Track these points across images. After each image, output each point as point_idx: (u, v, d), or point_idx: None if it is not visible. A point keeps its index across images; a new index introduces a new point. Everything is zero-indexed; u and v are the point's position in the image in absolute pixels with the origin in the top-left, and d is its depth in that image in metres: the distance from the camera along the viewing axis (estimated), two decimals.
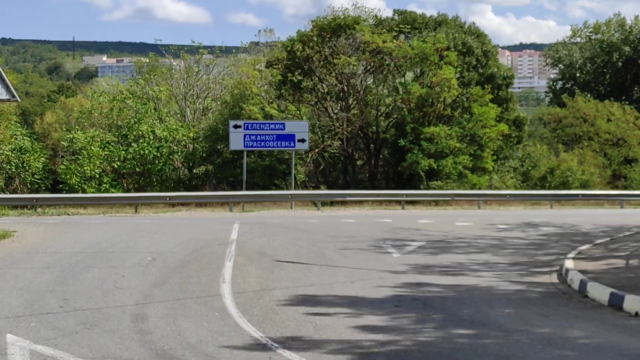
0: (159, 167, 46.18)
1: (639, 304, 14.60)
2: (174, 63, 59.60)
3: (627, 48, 74.29)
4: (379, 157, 50.95)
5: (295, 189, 43.16)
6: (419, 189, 45.26)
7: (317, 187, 47.36)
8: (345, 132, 48.55)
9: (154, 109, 49.56)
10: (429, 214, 36.62)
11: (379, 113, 50.59)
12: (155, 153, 45.62)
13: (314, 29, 49.70)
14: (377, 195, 42.88)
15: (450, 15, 61.18)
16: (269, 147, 42.95)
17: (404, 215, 36.00)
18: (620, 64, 74.41)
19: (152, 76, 55.81)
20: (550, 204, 42.76)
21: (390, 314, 14.30)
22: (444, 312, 14.51)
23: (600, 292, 15.89)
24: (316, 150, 47.88)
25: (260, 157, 46.49)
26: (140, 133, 46.00)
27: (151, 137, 45.87)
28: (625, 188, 50.97)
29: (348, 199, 41.82)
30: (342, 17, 50.58)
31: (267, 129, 42.04)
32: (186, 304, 15.10)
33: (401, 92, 49.28)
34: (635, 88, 74.29)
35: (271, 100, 49.43)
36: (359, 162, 51.71)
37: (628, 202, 43.38)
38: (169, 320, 13.56)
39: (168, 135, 46.45)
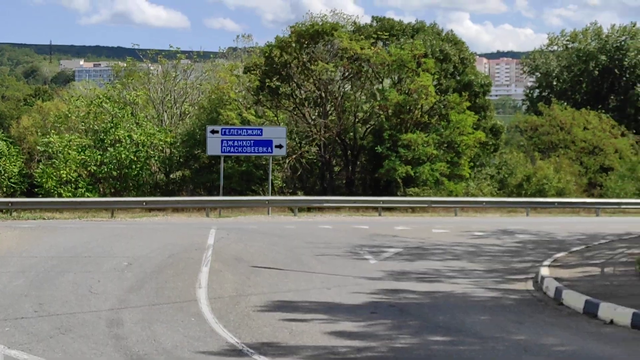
0: (136, 172, 45.98)
1: (614, 311, 14.68)
2: (152, 68, 59.39)
3: (603, 57, 74.68)
4: (356, 164, 50.97)
5: (272, 194, 43.11)
6: (396, 195, 45.29)
7: (294, 193, 47.33)
8: (323, 138, 48.54)
9: (131, 113, 49.36)
10: (405, 221, 36.67)
11: (357, 119, 50.63)
12: (132, 157, 45.43)
13: (292, 35, 49.71)
14: (354, 201, 42.87)
15: (428, 23, 61.37)
16: (247, 152, 42.90)
17: (380, 222, 36.04)
18: (596, 72, 74.80)
19: (129, 81, 55.56)
20: (527, 212, 42.91)
21: (367, 320, 14.32)
22: (420, 319, 14.53)
23: (575, 300, 15.96)
24: (293, 156, 47.83)
25: (237, 163, 46.41)
26: (117, 137, 45.81)
27: (128, 141, 45.70)
28: (601, 196, 51.17)
29: (325, 205, 41.81)
30: (320, 23, 50.51)
31: (244, 135, 42.01)
32: (162, 309, 15.06)
33: (379, 99, 49.32)
34: (612, 97, 74.65)
35: (249, 106, 49.30)
36: (336, 168, 51.72)
37: (604, 210, 43.59)
38: (144, 326, 13.52)
39: (145, 140, 46.28)
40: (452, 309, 15.52)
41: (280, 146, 42.03)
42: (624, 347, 12.58)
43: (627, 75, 74.35)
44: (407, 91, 48.16)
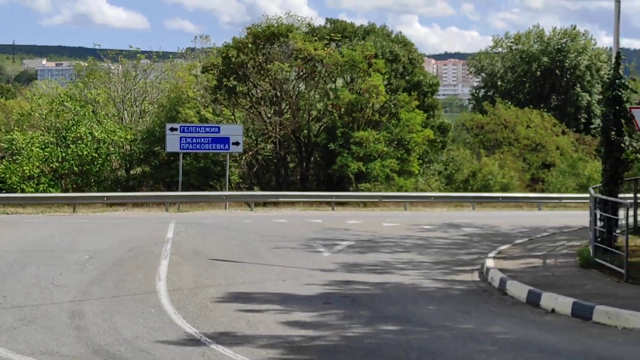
0: (97, 168, 45.57)
1: (555, 301, 14.83)
2: (112, 67, 58.81)
3: (545, 58, 75.37)
4: (310, 160, 50.93)
5: (229, 190, 42.95)
6: (349, 190, 45.34)
7: (250, 189, 47.17)
8: (278, 136, 48.45)
9: (93, 111, 48.87)
10: (357, 215, 36.75)
11: (311, 117, 50.57)
12: (93, 154, 45.01)
13: (248, 36, 49.56)
14: (308, 196, 42.89)
15: (379, 25, 61.52)
16: (204, 149, 42.80)
17: (333, 216, 36.07)
18: (539, 73, 75.47)
19: (90, 80, 55.05)
20: (472, 206, 43.15)
21: (320, 310, 14.33)
22: (371, 309, 14.57)
23: (518, 290, 16.09)
24: (250, 153, 47.69)
25: (195, 159, 46.17)
26: (78, 135, 45.34)
27: (89, 138, 45.26)
28: (543, 191, 51.58)
29: (280, 200, 41.79)
30: (275, 25, 50.41)
31: (202, 132, 41.90)
32: (122, 301, 14.97)
33: (332, 98, 49.30)
34: (553, 96, 75.33)
35: (207, 104, 49.11)
36: (291, 165, 51.64)
37: (545, 205, 43.93)
38: (105, 317, 13.43)
39: (106, 137, 45.88)
40: (402, 300, 15.58)
41: (237, 143, 41.98)
42: (564, 335, 12.70)
43: (568, 76, 75.03)
44: (358, 90, 48.16)
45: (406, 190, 46.10)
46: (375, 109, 48.53)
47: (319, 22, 58.07)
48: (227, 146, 41.85)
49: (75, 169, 44.75)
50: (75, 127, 45.45)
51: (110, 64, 58.56)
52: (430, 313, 14.36)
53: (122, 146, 47.71)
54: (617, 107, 20.30)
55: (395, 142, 48.72)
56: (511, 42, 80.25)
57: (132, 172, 48.95)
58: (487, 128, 63.81)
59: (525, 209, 42.73)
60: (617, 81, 20.51)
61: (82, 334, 12.25)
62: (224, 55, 49.53)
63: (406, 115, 49.10)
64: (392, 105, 49.38)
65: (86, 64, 61.18)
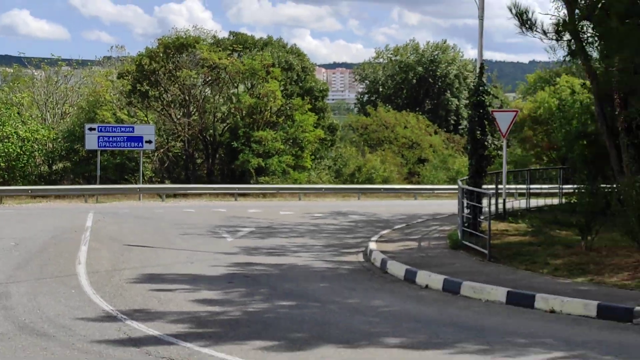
0: (22, 164, 44.43)
1: (429, 278, 15.05)
2: (36, 73, 57.54)
3: (420, 68, 76.49)
4: (216, 157, 50.60)
5: (143, 183, 42.35)
6: (250, 183, 45.18)
7: (162, 182, 46.68)
8: (187, 135, 48.09)
9: (18, 113, 47.70)
10: (257, 205, 36.68)
11: (216, 119, 50.26)
12: (18, 151, 43.85)
13: (159, 46, 49.08)
14: (214, 189, 42.55)
15: (275, 38, 61.76)
16: (120, 147, 42.19)
17: (236, 206, 35.90)
18: (414, 81, 76.59)
19: (15, 84, 53.85)
20: (358, 196, 43.38)
21: (224, 289, 14.26)
22: (269, 287, 14.56)
23: (397, 269, 16.28)
24: (161, 150, 47.22)
25: (112, 156, 45.42)
26: (4, 134, 44.19)
27: (15, 137, 44.14)
28: (418, 183, 52.13)
29: (189, 192, 41.42)
30: (184, 37, 50.19)
31: (118, 132, 41.34)
32: (46, 283, 14.66)
33: (234, 102, 49.22)
34: (427, 101, 76.41)
35: (122, 107, 48.51)
36: (198, 161, 51.21)
37: (420, 195, 44.39)
38: (30, 297, 13.14)
39: (30, 136, 44.76)
40: (296, 278, 15.62)
41: (149, 142, 41.51)
42: (436, 307, 12.90)
43: (439, 84, 76.29)
44: (258, 95, 48.16)
45: (300, 183, 46.19)
46: (272, 112, 48.58)
47: (223, 34, 57.77)
48: (140, 144, 41.35)
49: (2, 164, 43.57)
50: (1, 126, 44.27)
51: (34, 71, 57.36)
52: (321, 290, 14.41)
53: (45, 144, 46.63)
54: (481, 111, 20.68)
55: (291, 141, 48.88)
56: (391, 54, 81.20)
57: (54, 167, 47.93)
58: (370, 128, 64.45)
59: (403, 198, 43.19)
60: (480, 88, 20.90)
61: (8, 313, 11.96)
62: (137, 63, 48.94)
63: (300, 117, 49.35)
64: (288, 108, 49.51)
65: (11, 70, 59.75)
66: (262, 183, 45.16)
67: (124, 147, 42.26)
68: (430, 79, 76.35)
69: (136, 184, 42.49)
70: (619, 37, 16.52)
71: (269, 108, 48.24)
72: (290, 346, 9.93)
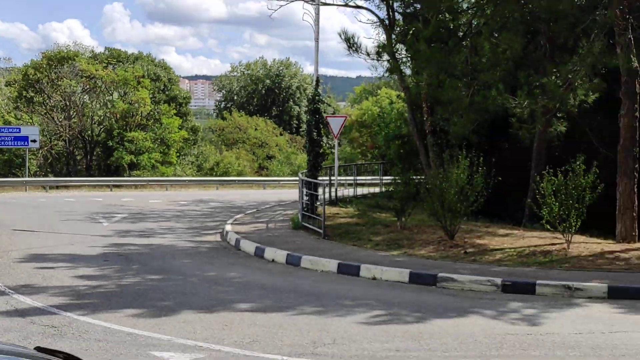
0: None
1: (275, 253, 15.12)
2: None
3: (268, 81, 76.85)
4: (94, 154, 49.19)
5: (29, 177, 40.63)
6: (123, 176, 44.20)
7: (46, 175, 44.98)
8: (68, 135, 46.67)
9: None
10: (130, 194, 35.82)
11: (93, 121, 48.93)
12: None
13: (44, 59, 47.71)
14: (92, 181, 41.24)
15: (145, 53, 60.78)
16: (8, 145, 40.33)
17: (112, 196, 34.92)
18: (263, 91, 76.89)
19: None
20: (217, 187, 43.07)
21: (100, 266, 13.85)
22: (140, 264, 14.26)
23: (249, 246, 16.28)
24: (45, 148, 45.72)
25: (1, 152, 43.49)
26: None
27: None
28: (267, 175, 52.45)
29: (70, 184, 39.99)
30: (65, 51, 48.97)
31: (6, 132, 39.52)
32: None
33: (109, 107, 48.26)
34: (274, 108, 76.77)
35: (9, 111, 46.69)
36: (78, 157, 49.60)
37: (269, 185, 44.53)
38: None
39: None
40: (164, 256, 15.36)
41: (34, 141, 39.83)
42: (281, 277, 12.98)
43: (284, 94, 76.89)
44: (130, 101, 47.36)
45: (167, 176, 45.62)
46: (143, 115, 47.96)
47: (99, 49, 56.03)
48: (26, 143, 39.60)
49: None
50: None
51: None
52: (185, 265, 14.24)
53: None
54: (317, 116, 20.91)
55: (159, 140, 48.35)
56: (243, 69, 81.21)
57: None
58: (226, 130, 64.38)
59: (254, 188, 43.22)
60: (317, 98, 21.12)
61: None
62: (23, 73, 47.47)
63: (167, 120, 48.95)
64: (156, 113, 49.09)
65: None
66: (134, 176, 44.30)
67: (11, 145, 40.45)
68: (276, 90, 76.81)
69: (23, 177, 40.76)
70: (425, 58, 17.09)
71: (139, 112, 47.60)
72: (157, 313, 9.77)
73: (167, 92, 54.67)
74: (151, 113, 48.52)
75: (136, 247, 16.65)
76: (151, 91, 50.51)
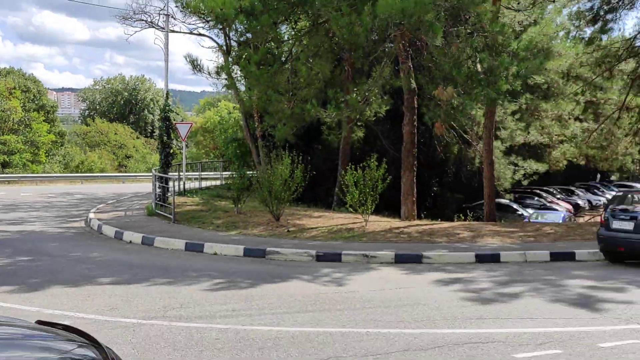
0: None
1: (132, 236, 14.57)
2: None
3: (126, 93, 74.31)
4: None
5: None
6: None
7: None
8: None
9: None
10: (4, 189, 33.10)
11: None
12: None
13: None
14: None
15: (17, 68, 56.61)
16: None
17: None
18: (122, 102, 74.24)
19: None
20: (82, 182, 40.83)
21: None
22: (12, 248, 13.19)
23: (110, 231, 15.58)
24: None
25: None
26: None
27: None
28: (126, 172, 50.58)
29: None
30: None
31: None
32: None
33: None
34: (132, 116, 74.31)
35: None
36: None
37: (127, 180, 42.84)
38: None
39: None
40: (34, 241, 14.32)
41: None
42: (138, 255, 12.50)
43: (140, 104, 74.65)
44: (2, 109, 43.89)
45: (38, 173, 42.70)
46: (15, 122, 44.61)
47: None
48: None
49: None
50: None
51: None
52: (53, 248, 13.36)
53: None
54: (168, 123, 20.38)
55: (30, 142, 45.16)
56: (105, 83, 78.08)
57: None
58: (90, 134, 61.51)
59: (115, 183, 41.35)
60: (167, 108, 20.57)
61: None
62: None
63: (36, 125, 45.92)
64: (27, 119, 45.79)
65: None
66: (7, 173, 41.06)
67: None
68: (133, 101, 74.41)
69: None
70: (256, 78, 17.14)
71: (11, 119, 44.19)
72: (28, 289, 9.08)
73: (36, 102, 51.11)
74: (22, 119, 45.30)
75: (9, 234, 15.40)
76: (22, 101, 47.22)
